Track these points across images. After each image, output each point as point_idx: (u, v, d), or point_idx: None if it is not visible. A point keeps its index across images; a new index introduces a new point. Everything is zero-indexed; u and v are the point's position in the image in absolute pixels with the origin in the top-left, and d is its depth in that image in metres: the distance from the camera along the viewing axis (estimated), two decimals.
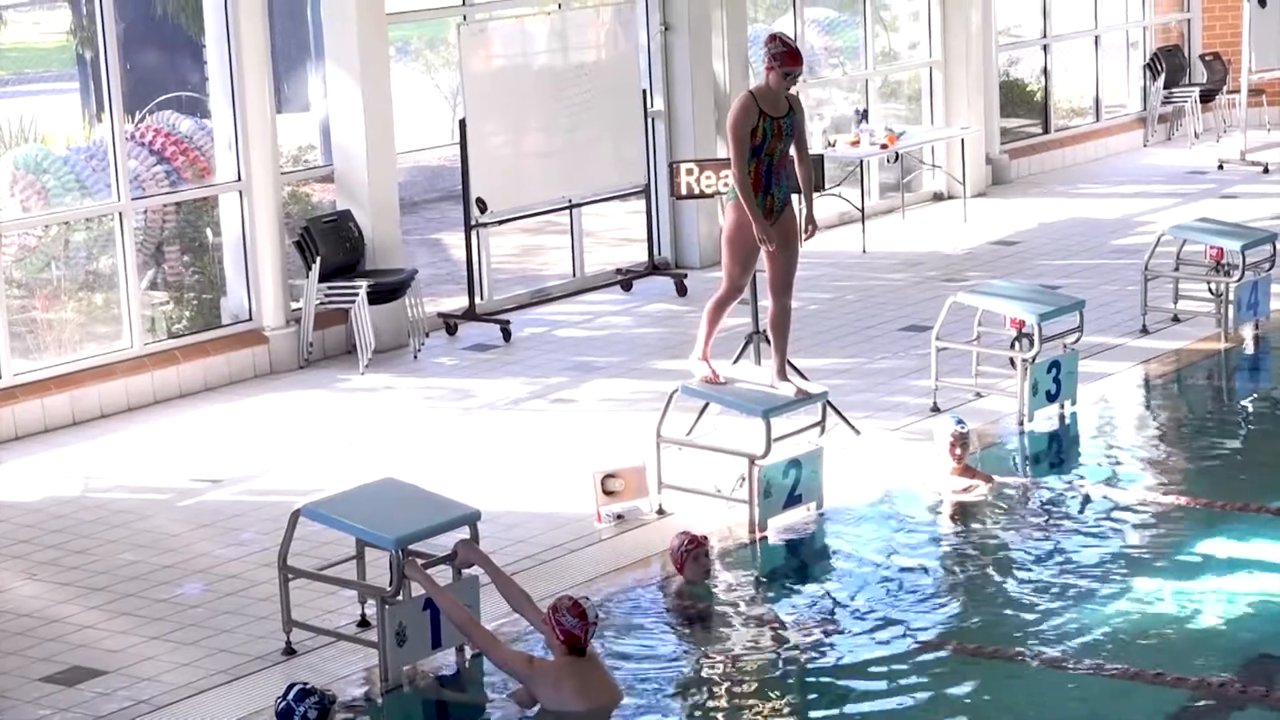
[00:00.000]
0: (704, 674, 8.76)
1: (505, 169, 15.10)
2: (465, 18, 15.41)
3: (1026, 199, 19.64)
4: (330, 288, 14.04)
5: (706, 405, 11.27)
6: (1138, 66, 22.84)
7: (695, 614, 9.47)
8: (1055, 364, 12.20)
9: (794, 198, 11.00)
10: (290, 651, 8.98)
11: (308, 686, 7.39)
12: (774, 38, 10.76)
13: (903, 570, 9.94)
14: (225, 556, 10.32)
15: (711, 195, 13.26)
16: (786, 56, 10.63)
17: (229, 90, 13.88)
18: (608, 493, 10.62)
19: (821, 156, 13.09)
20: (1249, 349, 13.99)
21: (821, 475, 10.69)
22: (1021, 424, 12.08)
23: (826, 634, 9.24)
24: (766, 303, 11.11)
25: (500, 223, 15.51)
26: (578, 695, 8.19)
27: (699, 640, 9.20)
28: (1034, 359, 12.03)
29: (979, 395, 12.58)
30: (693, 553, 9.67)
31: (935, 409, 12.29)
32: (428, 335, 14.69)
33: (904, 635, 9.11)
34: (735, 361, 11.92)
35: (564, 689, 8.19)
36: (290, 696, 7.35)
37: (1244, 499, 10.69)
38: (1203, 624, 9.09)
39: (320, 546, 9.69)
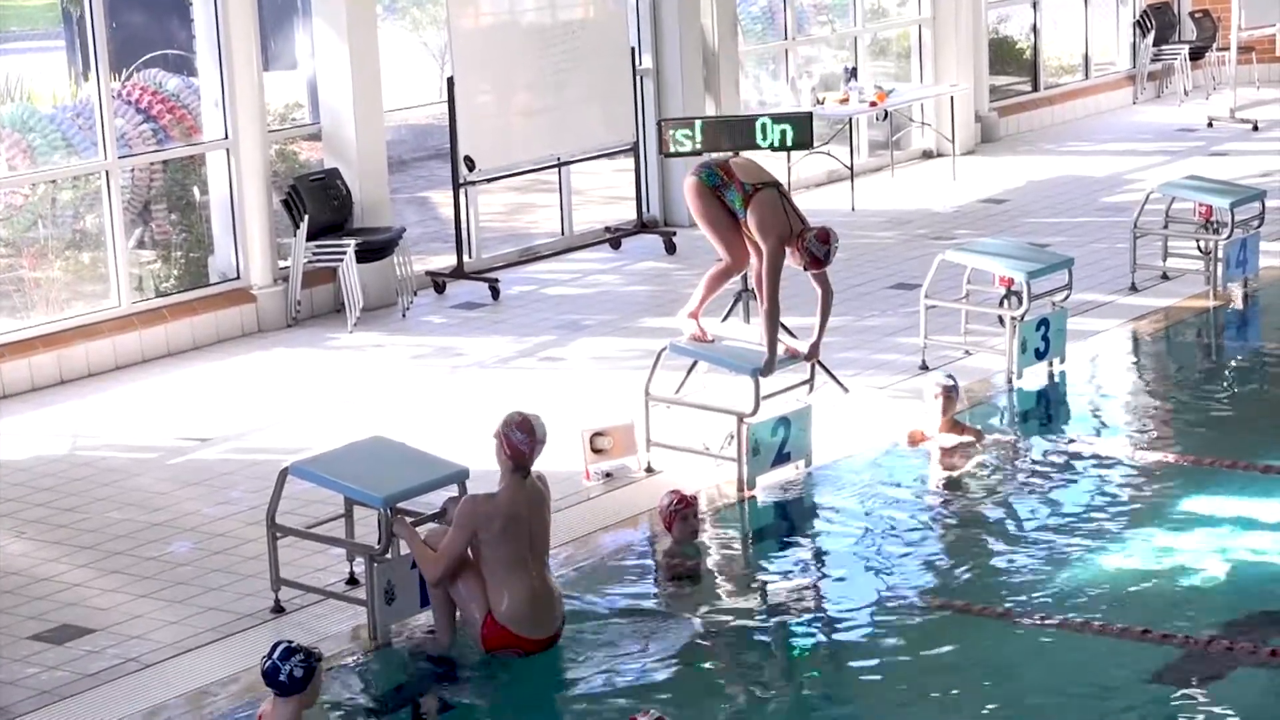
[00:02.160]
0: (692, 632, 8.76)
1: (493, 127, 15.06)
2: None
3: (1015, 157, 19.63)
4: (318, 246, 14.02)
5: (695, 363, 11.26)
6: (1127, 23, 22.81)
7: (683, 572, 9.47)
8: (1044, 322, 12.20)
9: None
10: (279, 609, 8.99)
11: (293, 645, 7.37)
12: (827, 238, 10.50)
13: (891, 528, 9.95)
14: (214, 515, 10.32)
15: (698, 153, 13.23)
16: (813, 261, 10.52)
17: (216, 48, 13.83)
18: (596, 451, 10.63)
19: (810, 114, 13.01)
20: (1237, 306, 13.99)
21: (810, 433, 10.69)
22: (1010, 382, 12.09)
23: (814, 592, 9.26)
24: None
25: (488, 181, 15.48)
26: (510, 508, 8.36)
27: (687, 598, 9.20)
28: (1023, 317, 12.03)
29: (968, 353, 12.58)
30: (681, 512, 9.66)
31: (924, 367, 12.30)
32: (416, 293, 14.67)
33: (892, 593, 9.12)
34: (724, 319, 11.92)
35: (502, 504, 8.37)
36: (276, 655, 7.34)
37: (1232, 456, 10.70)
38: (1191, 581, 9.10)
39: (309, 505, 9.69)
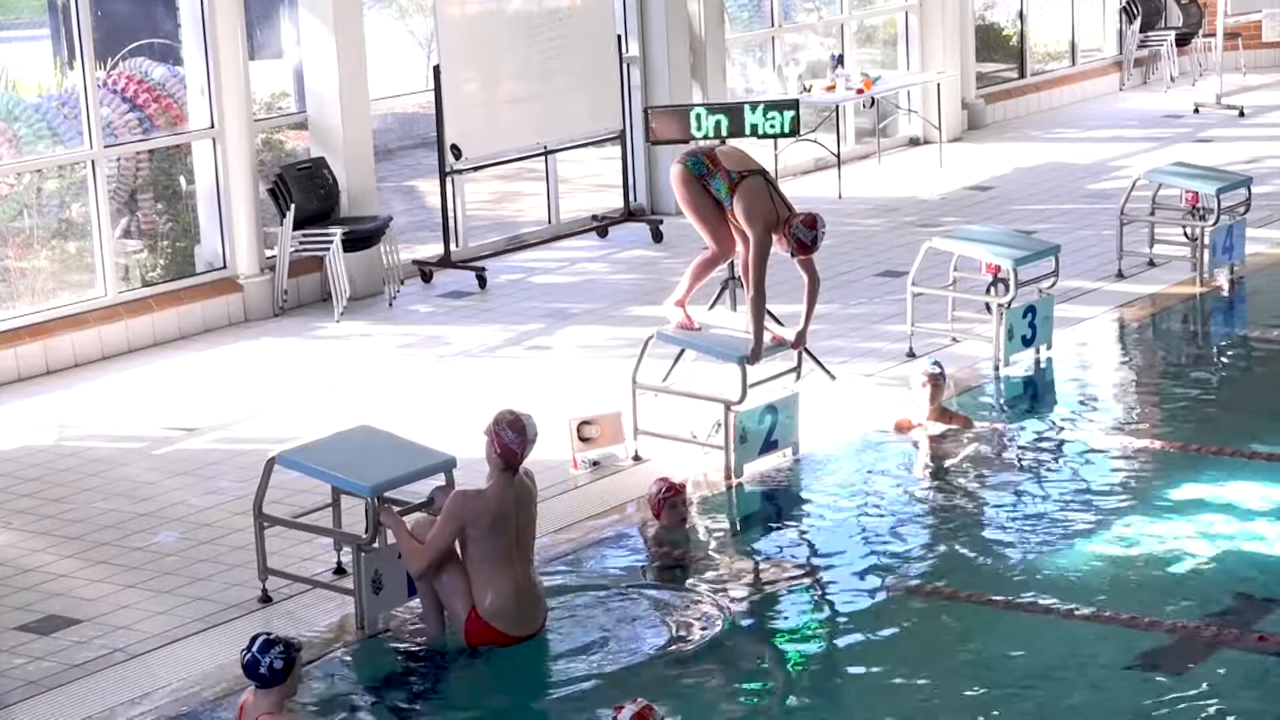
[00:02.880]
0: (679, 620, 8.76)
1: (480, 115, 15.04)
2: None
3: (1002, 144, 19.63)
4: (305, 235, 14.00)
5: (682, 351, 11.26)
6: (1113, 10, 22.81)
7: (671, 560, 9.47)
8: (1031, 309, 12.20)
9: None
10: (266, 599, 8.98)
11: (272, 636, 7.36)
12: (814, 224, 10.53)
13: (878, 515, 9.96)
14: (201, 505, 10.31)
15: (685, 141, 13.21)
16: (800, 247, 10.53)
17: (201, 37, 13.81)
18: (583, 439, 10.62)
19: (797, 102, 13.01)
20: (1224, 293, 14.00)
21: (797, 421, 10.69)
22: (997, 369, 12.09)
23: (802, 579, 9.26)
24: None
25: (475, 169, 15.46)
26: (498, 505, 8.34)
27: (675, 586, 9.19)
28: (1010, 304, 12.04)
29: (955, 340, 12.59)
30: (670, 500, 9.67)
31: (911, 354, 12.30)
32: (403, 282, 14.66)
33: (879, 579, 9.13)
34: (711, 307, 11.91)
35: (491, 500, 8.35)
36: (255, 647, 7.32)
37: (1219, 442, 10.72)
38: (1178, 567, 9.12)
39: (296, 494, 9.68)
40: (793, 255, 10.60)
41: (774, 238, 10.54)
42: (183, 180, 14.43)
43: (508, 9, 15.30)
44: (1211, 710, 7.70)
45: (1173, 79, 22.39)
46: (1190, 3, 22.91)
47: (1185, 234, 14.30)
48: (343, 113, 14.33)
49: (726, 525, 10.05)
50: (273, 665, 7.29)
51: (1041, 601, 8.74)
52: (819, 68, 19.15)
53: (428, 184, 17.88)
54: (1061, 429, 11.22)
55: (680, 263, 14.96)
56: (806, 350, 11.05)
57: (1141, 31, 22.56)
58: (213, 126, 13.90)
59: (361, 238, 14.14)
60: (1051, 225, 15.62)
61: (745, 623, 8.78)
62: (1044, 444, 10.96)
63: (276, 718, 7.33)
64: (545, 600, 8.61)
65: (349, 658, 8.49)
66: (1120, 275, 14.15)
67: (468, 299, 14.50)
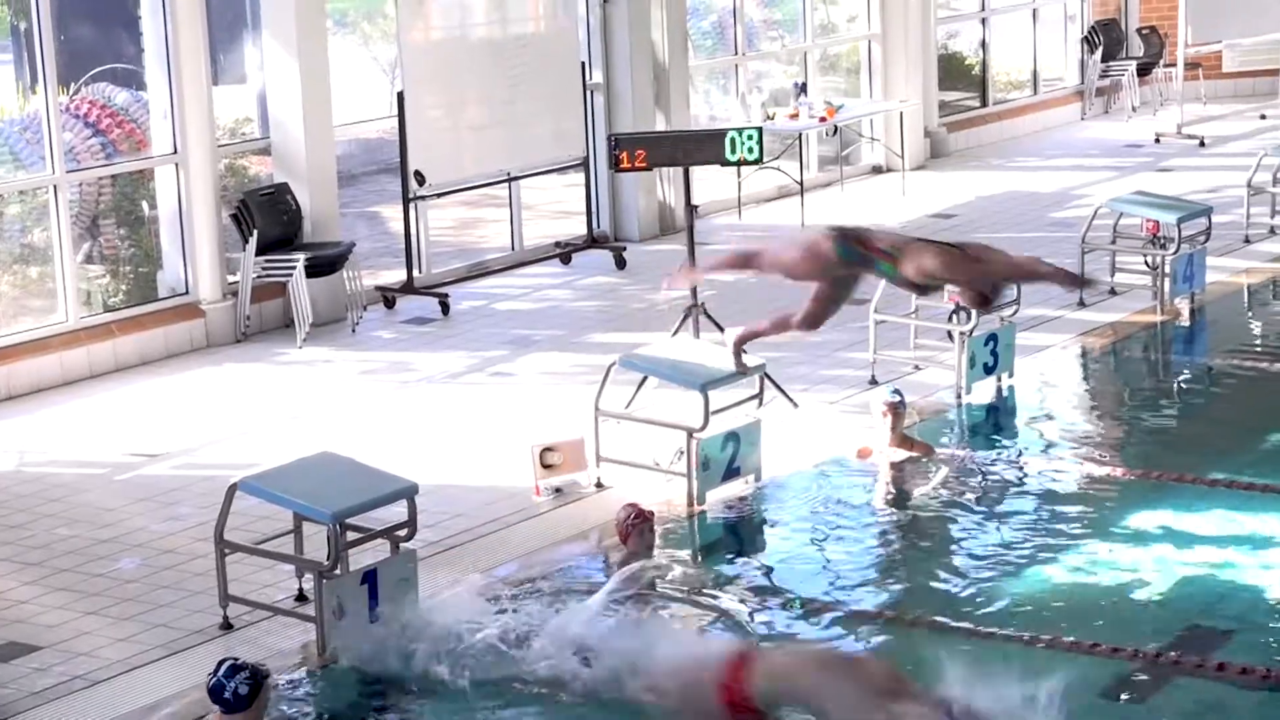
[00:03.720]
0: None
1: (443, 142, 15.05)
2: None
3: (964, 172, 19.69)
4: (268, 261, 13.98)
5: (645, 378, 11.27)
6: (1075, 40, 22.92)
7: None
8: (993, 337, 12.24)
9: None
10: (227, 626, 8.96)
11: (239, 662, 7.35)
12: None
13: (839, 542, 9.97)
14: (162, 531, 10.28)
15: (648, 169, 13.22)
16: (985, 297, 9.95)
17: (164, 62, 13.79)
18: (546, 466, 10.61)
19: (760, 129, 13.04)
20: (1184, 321, 14.06)
21: (759, 448, 10.70)
22: (959, 396, 12.12)
23: (764, 606, 9.26)
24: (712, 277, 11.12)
25: (438, 195, 15.46)
26: None
27: (639, 612, 9.19)
28: (971, 332, 12.07)
29: (917, 368, 12.62)
30: (638, 526, 9.65)
31: (873, 382, 12.32)
32: (366, 308, 14.64)
33: (841, 606, 9.14)
34: (674, 334, 11.92)
35: None
36: (221, 672, 7.31)
37: (1179, 470, 10.75)
38: (1138, 595, 9.15)
39: (257, 521, 9.65)
40: (981, 306, 10.04)
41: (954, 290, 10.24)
42: (145, 205, 14.40)
43: (472, 36, 15.32)
44: None
45: (1134, 109, 22.49)
46: (1151, 33, 23.03)
47: (1146, 263, 14.36)
48: (306, 138, 14.33)
49: (689, 552, 10.05)
50: (238, 690, 7.28)
51: (1002, 629, 8.76)
52: (782, 95, 19.20)
53: (391, 210, 17.85)
54: (1022, 457, 11.25)
55: (643, 289, 14.99)
56: (768, 378, 11.07)
57: (1103, 61, 22.66)
58: (175, 151, 13.87)
59: (324, 263, 14.12)
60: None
61: None
62: (1005, 472, 10.99)
63: None
64: None
65: (310, 685, 8.47)
66: (1082, 304, 14.20)
67: (431, 325, 14.49)
